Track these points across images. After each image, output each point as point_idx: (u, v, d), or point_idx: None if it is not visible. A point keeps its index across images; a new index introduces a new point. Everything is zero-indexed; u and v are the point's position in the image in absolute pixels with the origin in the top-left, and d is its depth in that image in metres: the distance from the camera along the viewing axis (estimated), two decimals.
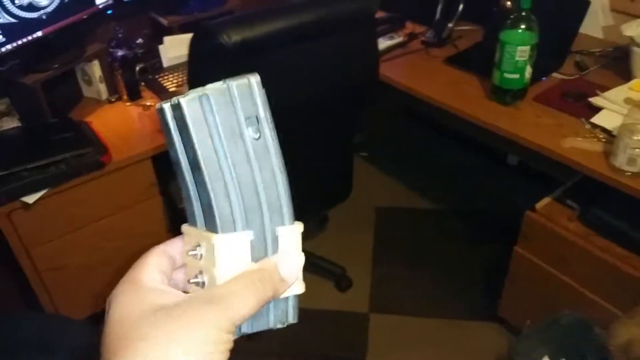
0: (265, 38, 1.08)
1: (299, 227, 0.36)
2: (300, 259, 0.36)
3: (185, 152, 0.33)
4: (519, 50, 1.38)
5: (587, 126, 1.38)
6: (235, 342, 0.32)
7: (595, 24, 1.81)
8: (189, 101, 0.31)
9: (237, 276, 0.33)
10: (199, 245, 0.34)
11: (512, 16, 1.38)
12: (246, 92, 0.33)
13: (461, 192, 2.33)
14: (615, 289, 1.33)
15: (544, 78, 1.59)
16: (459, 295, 1.87)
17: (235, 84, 0.32)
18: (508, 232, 1.57)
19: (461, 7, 1.74)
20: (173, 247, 0.36)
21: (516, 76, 1.42)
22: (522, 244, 1.51)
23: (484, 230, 2.13)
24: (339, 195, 1.73)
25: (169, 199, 1.58)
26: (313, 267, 1.96)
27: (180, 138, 0.32)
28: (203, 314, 0.30)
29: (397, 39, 1.85)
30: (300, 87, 1.20)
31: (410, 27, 1.95)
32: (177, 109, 0.32)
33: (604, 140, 1.32)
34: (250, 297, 0.32)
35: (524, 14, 1.36)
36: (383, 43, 1.82)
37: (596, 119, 1.37)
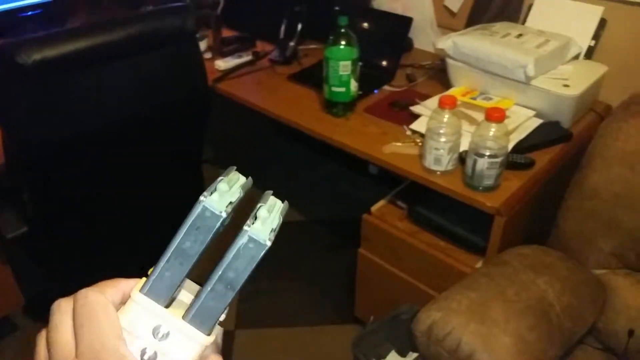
0: (68, 57, 1.07)
1: (208, 338, 0.33)
2: None
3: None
4: (341, 65, 1.47)
5: (408, 132, 1.50)
6: None
7: (426, 39, 1.98)
8: (208, 204, 0.33)
9: None
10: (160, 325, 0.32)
11: (332, 34, 1.48)
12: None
13: (326, 202, 2.42)
14: (441, 280, 1.44)
15: (376, 91, 1.71)
16: (322, 302, 1.93)
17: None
18: None
19: (300, 27, 1.83)
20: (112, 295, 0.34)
21: (342, 89, 1.52)
22: (364, 245, 1.60)
23: (345, 237, 2.21)
24: None
25: None
26: None
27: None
28: None
29: (245, 58, 1.90)
30: (114, 108, 1.20)
31: (260, 46, 2.02)
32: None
33: (420, 144, 1.44)
34: None
35: (342, 31, 1.46)
36: (230, 62, 1.87)
37: (414, 125, 1.50)
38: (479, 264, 1.39)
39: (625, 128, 1.19)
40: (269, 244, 0.32)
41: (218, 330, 0.34)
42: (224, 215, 0.33)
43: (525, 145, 1.39)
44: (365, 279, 1.66)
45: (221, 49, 1.92)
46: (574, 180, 1.31)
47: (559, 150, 1.40)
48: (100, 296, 0.32)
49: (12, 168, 1.27)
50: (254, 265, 0.33)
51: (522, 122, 1.44)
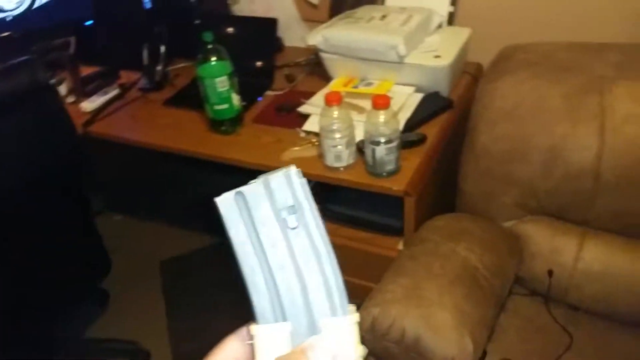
0: None
1: (350, 318, 0.34)
2: (355, 351, 0.33)
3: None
4: (217, 82, 1.41)
5: (302, 134, 1.48)
6: None
7: (295, 35, 1.97)
8: (222, 200, 0.34)
9: None
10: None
11: (201, 52, 1.41)
12: (283, 183, 0.34)
13: None
14: (369, 269, 1.45)
15: (260, 98, 1.67)
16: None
17: (271, 177, 0.34)
18: None
19: (163, 48, 1.73)
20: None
21: (225, 106, 1.46)
22: None
23: None
24: (97, 274, 1.60)
25: None
26: (104, 353, 1.80)
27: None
28: None
29: (112, 92, 1.77)
30: None
31: (125, 76, 1.88)
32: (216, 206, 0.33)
33: (317, 144, 1.43)
34: None
35: (210, 47, 1.40)
36: (97, 100, 1.72)
37: (306, 126, 1.48)
38: (399, 245, 1.41)
39: (500, 87, 1.26)
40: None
41: None
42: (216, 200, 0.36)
43: (413, 122, 1.42)
44: None
45: (83, 90, 1.76)
46: (465, 143, 1.37)
47: (446, 119, 1.46)
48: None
49: None
50: None
51: (405, 101, 1.48)
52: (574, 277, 1.24)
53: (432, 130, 1.41)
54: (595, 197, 1.18)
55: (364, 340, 1.06)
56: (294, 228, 0.33)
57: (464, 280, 1.13)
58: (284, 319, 0.33)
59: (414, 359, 1.04)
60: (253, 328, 0.33)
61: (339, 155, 1.31)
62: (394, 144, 1.25)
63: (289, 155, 1.40)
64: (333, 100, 1.26)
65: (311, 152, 1.41)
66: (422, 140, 1.38)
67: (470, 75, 1.62)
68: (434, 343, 1.02)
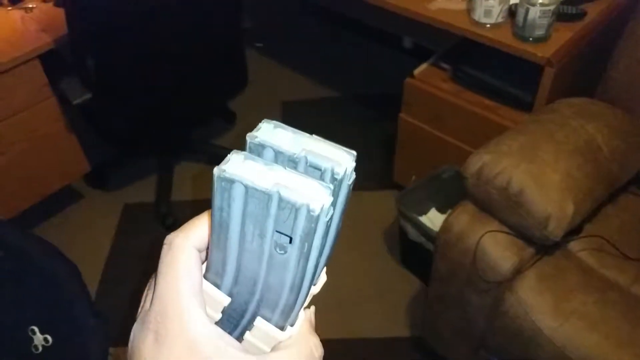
0: None
1: (283, 333, 0.30)
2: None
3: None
4: None
5: None
6: None
7: None
8: (221, 178, 0.26)
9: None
10: None
11: None
12: (287, 210, 0.25)
13: (359, 78, 2.41)
14: (485, 137, 1.46)
15: None
16: (360, 171, 1.98)
17: (282, 195, 0.25)
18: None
19: None
20: (198, 239, 0.29)
21: None
22: (404, 110, 1.62)
23: (381, 110, 2.24)
24: (234, 86, 1.76)
25: (62, 97, 1.57)
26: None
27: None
28: None
29: None
30: None
31: None
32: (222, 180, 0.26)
33: None
34: None
35: None
36: None
37: None
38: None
39: None
40: None
41: None
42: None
43: None
44: (404, 144, 1.70)
45: None
46: (627, 29, 1.28)
47: (611, 1, 1.36)
48: (185, 242, 0.28)
49: (76, 36, 1.30)
50: None
51: None
52: None
53: (594, 9, 1.33)
54: None
55: (466, 183, 1.11)
56: (281, 252, 0.27)
57: (584, 153, 1.12)
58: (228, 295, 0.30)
59: (512, 209, 1.09)
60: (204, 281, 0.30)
61: (489, 11, 1.29)
62: (550, 8, 1.21)
63: (436, 5, 1.40)
64: None
65: (459, 5, 1.40)
66: (581, 15, 1.31)
67: None
68: (537, 197, 1.06)
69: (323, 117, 2.22)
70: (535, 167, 1.09)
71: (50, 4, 1.66)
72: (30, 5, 1.65)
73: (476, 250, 1.12)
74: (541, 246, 1.13)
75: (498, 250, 1.11)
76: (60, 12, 1.59)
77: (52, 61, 1.55)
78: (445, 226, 1.18)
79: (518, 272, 1.12)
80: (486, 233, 1.12)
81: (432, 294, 1.31)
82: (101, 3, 1.25)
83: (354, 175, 0.30)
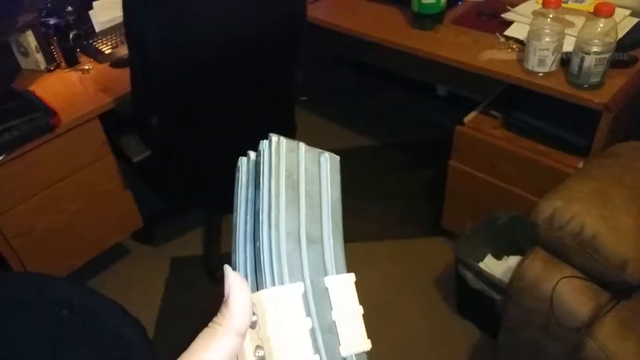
0: None
1: (351, 277, 0.32)
2: (358, 310, 0.31)
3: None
4: None
5: (502, 39, 1.51)
6: None
7: None
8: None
9: None
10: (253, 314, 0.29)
11: None
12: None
13: (397, 126, 2.46)
14: (539, 182, 1.48)
15: (460, 2, 1.70)
16: (406, 218, 2.00)
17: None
18: (443, 153, 1.69)
19: None
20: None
21: (432, 1, 1.52)
22: (455, 157, 1.64)
23: (422, 157, 2.26)
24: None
25: (120, 154, 1.61)
26: None
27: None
28: None
29: None
30: (228, 28, 1.25)
31: None
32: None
33: (517, 49, 1.45)
34: None
35: None
36: None
37: (509, 32, 1.50)
38: (580, 164, 1.42)
39: None
40: None
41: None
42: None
43: (625, 44, 1.38)
44: (454, 191, 1.71)
45: None
46: None
47: None
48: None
49: (140, 94, 1.35)
50: None
51: (619, 22, 1.43)
52: None
53: None
54: None
55: (538, 230, 1.11)
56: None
57: None
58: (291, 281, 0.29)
59: (587, 254, 1.09)
60: (262, 292, 0.29)
61: (543, 60, 1.33)
62: (606, 56, 1.24)
63: (487, 56, 1.45)
64: (552, 2, 1.27)
65: (509, 56, 1.44)
66: (633, 61, 1.35)
67: None
68: (612, 242, 1.05)
69: (363, 164, 2.25)
70: (608, 211, 1.09)
71: (106, 65, 1.73)
72: (87, 67, 1.72)
73: (552, 297, 1.11)
74: (617, 291, 1.11)
75: (575, 295, 1.10)
76: (117, 72, 1.67)
77: (112, 120, 1.61)
78: (518, 273, 1.18)
79: (595, 317, 1.10)
80: (562, 279, 1.11)
81: (503, 343, 1.29)
82: (170, 62, 1.29)
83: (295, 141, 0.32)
